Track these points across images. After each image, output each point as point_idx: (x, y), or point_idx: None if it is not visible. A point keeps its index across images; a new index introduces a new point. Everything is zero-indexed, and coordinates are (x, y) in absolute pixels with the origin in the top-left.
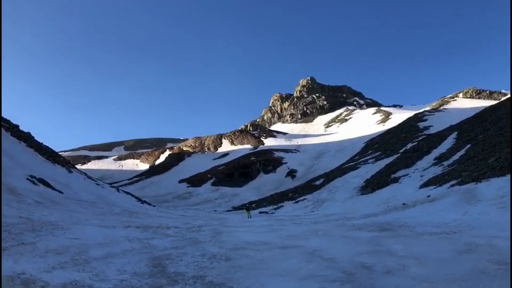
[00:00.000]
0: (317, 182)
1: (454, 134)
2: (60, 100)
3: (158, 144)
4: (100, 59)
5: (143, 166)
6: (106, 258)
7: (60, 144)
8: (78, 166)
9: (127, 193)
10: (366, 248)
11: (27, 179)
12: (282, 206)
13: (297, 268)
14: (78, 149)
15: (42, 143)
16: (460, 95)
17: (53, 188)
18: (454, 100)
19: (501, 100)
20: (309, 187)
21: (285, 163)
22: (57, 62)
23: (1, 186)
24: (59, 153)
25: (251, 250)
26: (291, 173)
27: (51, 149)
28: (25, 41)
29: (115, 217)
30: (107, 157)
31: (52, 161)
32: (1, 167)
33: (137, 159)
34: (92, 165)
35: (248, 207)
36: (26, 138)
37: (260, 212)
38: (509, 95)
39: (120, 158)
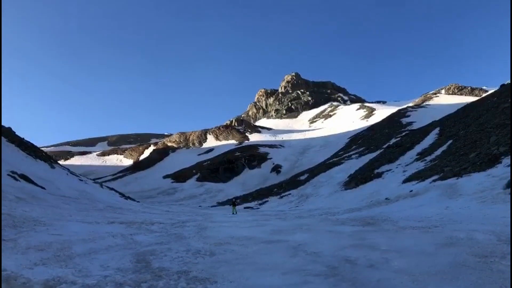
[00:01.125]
0: (302, 177)
1: (436, 130)
2: (42, 94)
3: (142, 140)
4: (82, 54)
5: (127, 161)
6: (89, 254)
7: (42, 139)
8: (61, 162)
9: (111, 188)
10: (350, 242)
11: (8, 175)
12: (267, 201)
13: (281, 263)
14: (61, 144)
15: (23, 138)
16: (443, 91)
17: (35, 184)
18: (436, 96)
19: (482, 96)
20: (293, 182)
21: (270, 158)
22: (37, 57)
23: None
24: (41, 148)
25: (236, 245)
26: (276, 169)
27: (32, 144)
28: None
29: (98, 213)
30: (90, 152)
31: (34, 156)
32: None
33: (120, 154)
34: (75, 161)
35: (234, 202)
36: (7, 133)
37: (245, 208)
38: (489, 92)
39: (104, 154)
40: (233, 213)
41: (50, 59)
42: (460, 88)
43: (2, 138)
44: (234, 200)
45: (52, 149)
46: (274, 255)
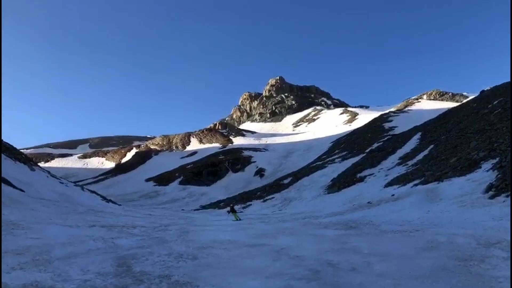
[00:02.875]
0: (285, 181)
1: (418, 135)
2: (21, 94)
3: (124, 142)
4: (64, 53)
5: (109, 164)
6: (69, 258)
7: (21, 141)
8: (41, 164)
9: (92, 191)
10: (332, 246)
11: None
12: (251, 205)
13: (264, 266)
14: (41, 146)
15: (2, 139)
16: (424, 96)
17: (14, 187)
18: (418, 102)
19: (462, 102)
20: (277, 186)
21: (254, 162)
22: (15, 54)
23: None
24: (21, 150)
25: (218, 249)
26: (260, 172)
27: (11, 146)
28: None
29: (79, 216)
30: (71, 155)
31: (13, 158)
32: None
33: (102, 157)
34: (55, 163)
35: (232, 207)
36: None
37: (228, 211)
38: (469, 98)
39: (85, 156)
40: (236, 219)
41: (29, 57)
42: (441, 94)
43: None
44: (232, 206)
45: (32, 151)
46: (256, 259)
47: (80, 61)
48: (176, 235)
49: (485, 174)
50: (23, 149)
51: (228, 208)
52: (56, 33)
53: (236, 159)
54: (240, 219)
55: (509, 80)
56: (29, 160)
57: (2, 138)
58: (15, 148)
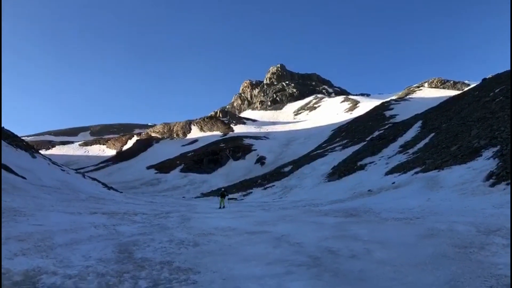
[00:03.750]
0: (286, 169)
1: (419, 123)
2: (22, 83)
3: (125, 130)
4: (64, 41)
5: (110, 152)
6: (71, 245)
7: (22, 128)
8: (42, 152)
9: (94, 179)
10: (332, 233)
11: None
12: (251, 192)
13: (265, 253)
14: (42, 134)
15: (3, 127)
16: (426, 84)
17: (16, 174)
18: (419, 90)
19: (464, 90)
20: (277, 174)
21: (255, 150)
22: (16, 44)
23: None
24: (22, 137)
25: (219, 236)
26: (260, 160)
27: (13, 133)
28: None
29: (80, 204)
30: (72, 142)
31: (15, 146)
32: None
33: (103, 144)
34: (56, 151)
35: (223, 192)
36: None
37: (229, 199)
38: (471, 86)
39: (86, 144)
40: (220, 207)
41: (29, 46)
42: (443, 82)
43: None
44: (223, 190)
45: (33, 138)
46: (257, 246)
47: (80, 48)
48: (177, 222)
49: (485, 162)
50: (24, 136)
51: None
52: (54, 19)
53: (237, 147)
54: (223, 207)
55: (510, 68)
56: (30, 148)
57: (3, 125)
58: (16, 136)
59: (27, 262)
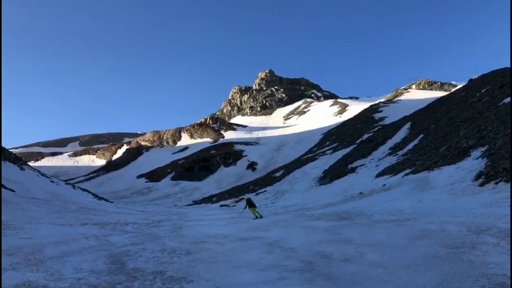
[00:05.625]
0: (277, 174)
1: (408, 125)
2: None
3: (114, 139)
4: (50, 50)
5: (100, 162)
6: (62, 257)
7: (10, 140)
8: (31, 163)
9: (84, 189)
10: (325, 237)
11: None
12: (243, 198)
13: (257, 259)
14: (31, 145)
15: None
16: (413, 86)
17: (4, 187)
18: (407, 92)
19: (451, 91)
20: (269, 179)
21: (246, 155)
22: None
23: (1, 189)
24: (10, 150)
25: (212, 243)
26: (252, 166)
27: (1, 146)
28: None
29: (71, 215)
30: (61, 153)
31: (2, 158)
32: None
33: (93, 154)
34: (46, 162)
35: (249, 199)
36: None
37: (221, 205)
38: (458, 86)
39: (76, 154)
40: (256, 217)
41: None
42: (430, 83)
43: None
44: (248, 198)
45: (21, 150)
46: (250, 252)
47: (68, 58)
48: (169, 230)
49: (474, 162)
50: (12, 148)
51: (243, 201)
52: (42, 28)
53: (227, 153)
54: (261, 216)
55: (496, 68)
56: (18, 160)
57: None
58: (4, 148)
59: (17, 276)
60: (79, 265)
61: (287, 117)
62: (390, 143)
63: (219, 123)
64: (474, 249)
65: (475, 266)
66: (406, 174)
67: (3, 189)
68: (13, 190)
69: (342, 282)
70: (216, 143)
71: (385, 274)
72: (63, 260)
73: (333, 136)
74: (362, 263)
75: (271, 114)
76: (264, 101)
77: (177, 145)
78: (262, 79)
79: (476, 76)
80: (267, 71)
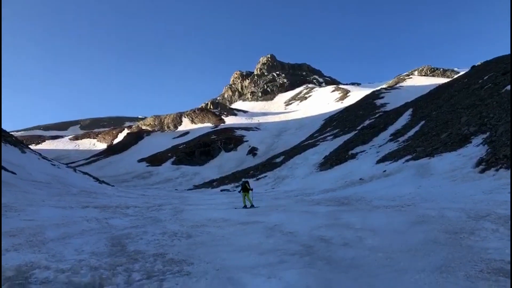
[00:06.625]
0: (278, 160)
1: (409, 111)
2: (11, 77)
3: (115, 123)
4: (52, 33)
5: (101, 145)
6: (63, 239)
7: (11, 123)
8: (32, 146)
9: (85, 173)
10: (325, 222)
11: None
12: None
13: (257, 243)
14: (32, 128)
15: None
16: (416, 73)
17: (5, 169)
18: (409, 78)
19: (453, 77)
20: (269, 165)
21: (246, 141)
22: (4, 39)
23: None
24: (11, 133)
25: (212, 227)
26: (252, 151)
27: (1, 128)
28: None
29: (72, 198)
30: (62, 136)
31: (3, 141)
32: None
33: (94, 138)
34: (46, 145)
35: (246, 184)
36: None
37: (221, 190)
38: (461, 73)
39: (76, 138)
40: (245, 206)
41: (17, 39)
42: (432, 69)
43: None
44: (245, 181)
45: (22, 133)
46: (250, 236)
47: (68, 41)
48: (170, 214)
49: (475, 149)
50: (13, 131)
51: (240, 184)
52: (42, 11)
53: (228, 139)
54: (253, 205)
55: (500, 55)
56: (19, 143)
57: None
58: (5, 131)
59: (19, 257)
60: (80, 247)
61: (288, 103)
62: (391, 129)
63: (220, 108)
64: (473, 234)
65: (473, 251)
66: (407, 161)
67: (4, 172)
68: (14, 173)
69: (341, 266)
70: (217, 128)
71: (384, 258)
72: (64, 242)
73: (334, 122)
74: (362, 247)
75: (272, 99)
76: (265, 86)
77: (178, 129)
78: (263, 64)
79: (479, 63)
80: (269, 56)
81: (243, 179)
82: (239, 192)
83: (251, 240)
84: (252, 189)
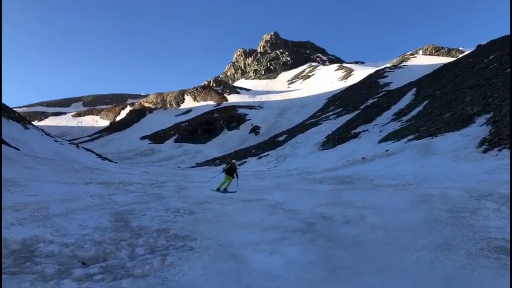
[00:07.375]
0: (280, 138)
1: (413, 91)
2: (13, 53)
3: (118, 100)
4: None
5: (103, 122)
6: (67, 214)
7: (14, 99)
8: (35, 123)
9: (88, 150)
10: (326, 200)
11: None
12: (246, 162)
13: (260, 220)
14: (34, 105)
15: None
16: (420, 52)
17: (8, 145)
18: (414, 57)
19: (458, 57)
20: (272, 143)
21: (249, 119)
22: (7, 14)
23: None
24: (14, 109)
25: (215, 204)
26: (255, 130)
27: (4, 104)
28: None
29: (75, 174)
30: (65, 113)
31: (6, 117)
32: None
33: (96, 115)
34: (49, 122)
35: (231, 164)
36: None
37: (223, 169)
38: (466, 52)
39: (79, 115)
40: (220, 189)
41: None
42: (437, 49)
43: None
44: (232, 162)
45: (25, 109)
46: (252, 213)
47: (72, 16)
48: (173, 191)
49: (478, 128)
50: (16, 107)
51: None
52: None
53: (231, 117)
54: (227, 190)
55: (506, 34)
56: (22, 119)
57: None
58: (8, 107)
59: (24, 231)
60: (83, 222)
61: (291, 81)
62: (395, 108)
63: (223, 86)
64: (474, 213)
65: (475, 230)
66: (410, 140)
67: (8, 148)
68: (17, 149)
69: (343, 243)
70: (219, 106)
71: (385, 236)
72: (68, 217)
73: (338, 101)
74: (363, 225)
75: (275, 77)
76: (269, 65)
77: (181, 107)
78: (267, 41)
79: (485, 42)
80: (272, 33)
81: (233, 160)
82: (223, 171)
83: (253, 217)
84: (237, 177)
